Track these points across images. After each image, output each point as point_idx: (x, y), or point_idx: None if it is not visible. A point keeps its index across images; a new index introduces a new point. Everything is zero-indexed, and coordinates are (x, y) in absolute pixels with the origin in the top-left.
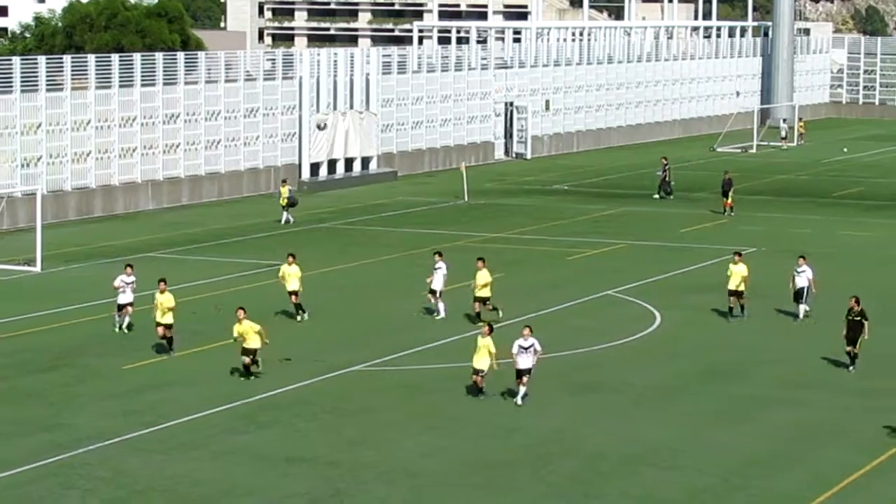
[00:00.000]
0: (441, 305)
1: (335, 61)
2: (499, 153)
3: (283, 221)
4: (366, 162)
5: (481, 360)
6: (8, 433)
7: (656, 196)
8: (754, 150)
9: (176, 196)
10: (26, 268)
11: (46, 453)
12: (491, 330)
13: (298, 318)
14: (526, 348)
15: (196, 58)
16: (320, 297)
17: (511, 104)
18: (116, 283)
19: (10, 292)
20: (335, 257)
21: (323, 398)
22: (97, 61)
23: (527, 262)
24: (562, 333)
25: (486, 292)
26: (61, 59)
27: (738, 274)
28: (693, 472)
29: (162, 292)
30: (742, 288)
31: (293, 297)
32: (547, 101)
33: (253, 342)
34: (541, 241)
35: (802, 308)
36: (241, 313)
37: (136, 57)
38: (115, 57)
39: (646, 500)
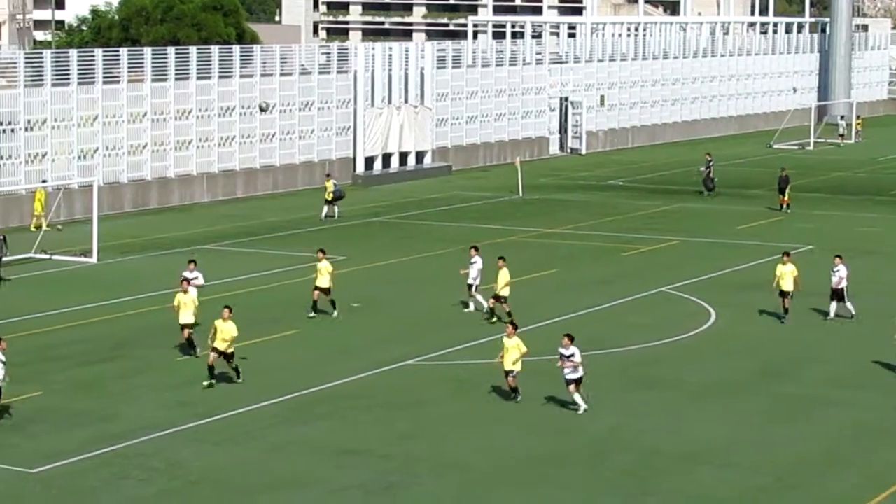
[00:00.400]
0: (479, 298)
1: (390, 55)
2: (553, 148)
3: (323, 216)
4: (420, 156)
5: (511, 362)
6: (65, 423)
7: (704, 193)
8: (811, 147)
9: (231, 189)
10: (83, 259)
11: (102, 443)
12: (515, 328)
13: (334, 313)
14: (568, 356)
15: (251, 51)
16: (374, 290)
17: (566, 99)
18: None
19: (67, 283)
20: (389, 251)
21: (376, 391)
22: (153, 54)
23: (581, 257)
24: (616, 330)
25: (505, 291)
26: (118, 51)
27: (787, 274)
28: (747, 470)
29: (185, 292)
30: (790, 288)
31: (318, 292)
32: (602, 97)
33: (223, 344)
34: (595, 236)
35: (833, 307)
36: (226, 312)
37: (192, 50)
38: (170, 50)
39: (701, 498)
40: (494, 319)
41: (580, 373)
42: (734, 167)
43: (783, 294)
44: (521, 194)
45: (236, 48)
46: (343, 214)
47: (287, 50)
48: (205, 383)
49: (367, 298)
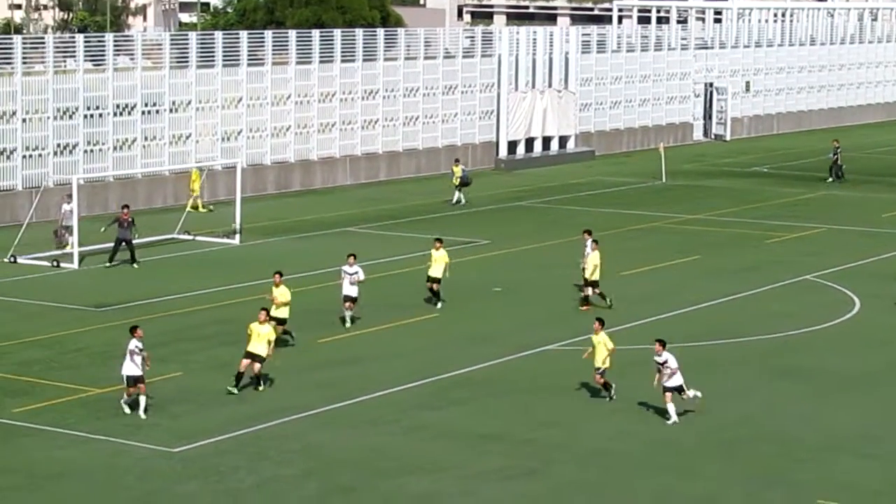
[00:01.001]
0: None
1: (534, 39)
2: (697, 134)
3: (454, 201)
4: (563, 141)
5: (600, 360)
6: (206, 403)
7: (830, 179)
8: None
9: (373, 172)
10: (225, 240)
11: (242, 424)
12: (602, 324)
13: (438, 305)
14: (661, 363)
15: (396, 34)
16: (516, 275)
17: (711, 85)
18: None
19: (211, 264)
20: (531, 236)
21: (516, 376)
22: (298, 37)
23: (724, 244)
24: (759, 317)
25: (595, 275)
26: (262, 34)
27: None
28: (892, 461)
29: (277, 285)
30: None
31: (432, 283)
32: (747, 83)
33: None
34: (738, 223)
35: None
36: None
37: (337, 33)
38: (315, 33)
39: (843, 488)
40: (586, 307)
41: (679, 380)
42: (881, 155)
43: None
44: (663, 180)
45: (381, 31)
46: (484, 199)
47: (431, 33)
48: (229, 388)
49: (508, 283)
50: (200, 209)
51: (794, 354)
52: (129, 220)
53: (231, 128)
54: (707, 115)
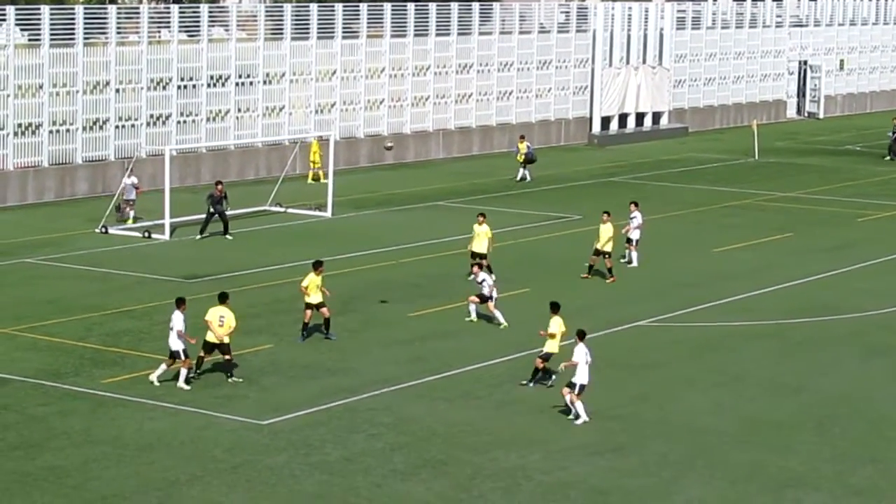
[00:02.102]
0: (634, 255)
1: (629, 15)
2: (790, 112)
3: (518, 178)
4: (657, 117)
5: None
6: (297, 375)
7: (888, 157)
8: None
9: (467, 146)
10: (317, 213)
11: (331, 396)
12: (558, 309)
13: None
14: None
15: (491, 8)
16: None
17: (805, 63)
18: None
19: (303, 236)
20: (624, 212)
21: (609, 352)
22: (393, 9)
23: (816, 222)
24: (851, 295)
25: (608, 247)
26: (358, 6)
27: None
28: None
29: (318, 273)
30: None
31: (477, 259)
32: (842, 61)
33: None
34: (830, 201)
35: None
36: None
37: (432, 7)
38: (410, 6)
39: None
40: (587, 275)
41: (584, 379)
42: None
43: None
44: (756, 157)
45: (476, 5)
46: (577, 174)
47: (526, 8)
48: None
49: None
50: (322, 180)
51: (886, 333)
52: (223, 194)
53: (325, 100)
54: (801, 93)
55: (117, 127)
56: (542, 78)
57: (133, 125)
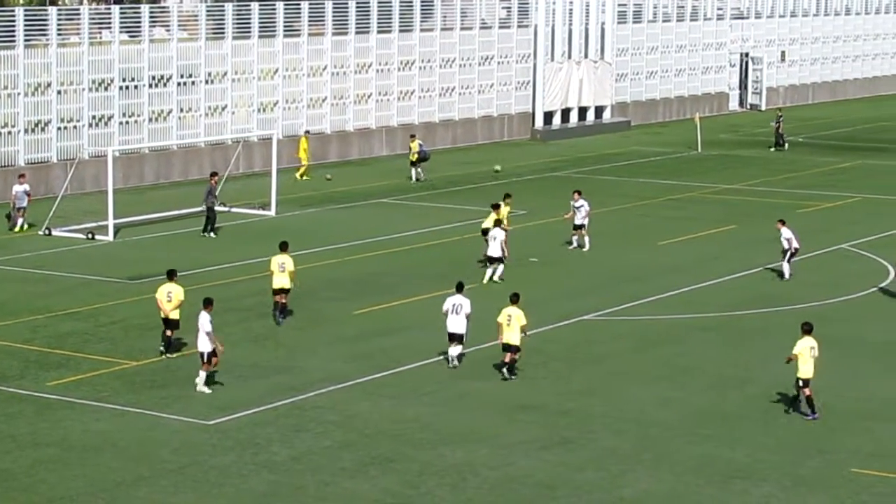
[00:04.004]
0: (587, 239)
1: (570, 10)
2: (733, 104)
3: (413, 179)
4: (599, 111)
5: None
6: (244, 375)
7: (772, 148)
8: None
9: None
10: (261, 211)
11: (279, 395)
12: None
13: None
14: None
15: (432, 5)
16: (552, 245)
17: (746, 55)
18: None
19: (246, 235)
20: (567, 206)
21: (554, 346)
22: (335, 7)
23: (759, 214)
24: (794, 287)
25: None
26: (299, 5)
27: None
28: None
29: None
30: None
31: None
32: (783, 52)
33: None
34: (773, 193)
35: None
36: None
37: (373, 4)
38: (352, 4)
39: (878, 457)
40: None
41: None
42: None
43: None
44: (699, 150)
45: (417, 2)
46: (520, 170)
47: (468, 4)
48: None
49: (544, 253)
50: (306, 177)
51: (829, 323)
52: (216, 186)
53: (267, 99)
54: (742, 85)
55: (59, 129)
56: (484, 74)
57: (75, 127)
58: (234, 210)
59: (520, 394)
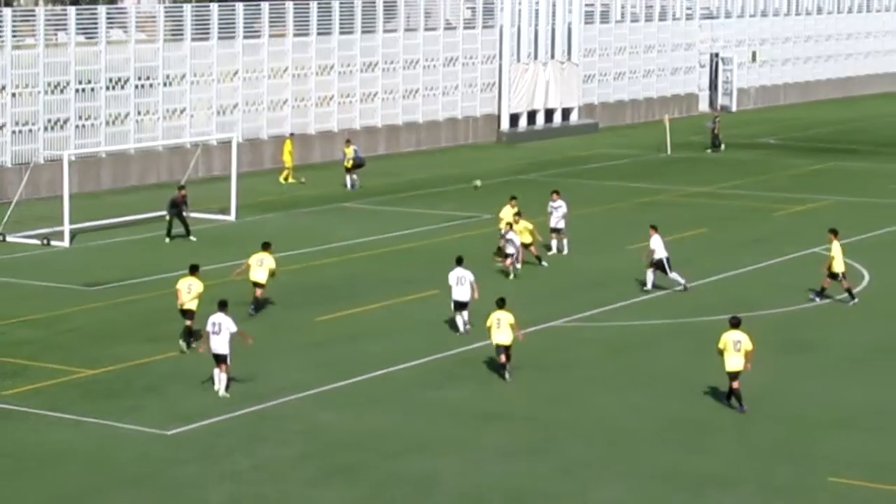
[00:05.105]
0: (565, 242)
1: (537, 10)
2: (703, 105)
3: (348, 186)
4: (566, 113)
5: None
6: (202, 383)
7: (709, 150)
8: None
9: (372, 145)
10: (221, 216)
11: (240, 404)
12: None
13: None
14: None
15: (395, 5)
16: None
17: (716, 55)
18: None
19: (206, 240)
20: (534, 210)
21: (523, 353)
22: (296, 8)
23: (731, 217)
24: (769, 290)
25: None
26: (259, 5)
27: None
28: None
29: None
30: None
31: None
32: (754, 53)
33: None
34: (745, 196)
35: (673, 276)
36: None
37: (335, 4)
38: (313, 4)
39: (853, 464)
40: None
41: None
42: (890, 125)
43: None
44: (668, 152)
45: (380, 2)
46: (486, 173)
47: (432, 4)
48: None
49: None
50: (290, 180)
51: (803, 328)
52: (184, 199)
53: (227, 102)
54: (713, 86)
55: (14, 132)
56: (448, 75)
57: (31, 130)
58: (193, 215)
59: (486, 402)
